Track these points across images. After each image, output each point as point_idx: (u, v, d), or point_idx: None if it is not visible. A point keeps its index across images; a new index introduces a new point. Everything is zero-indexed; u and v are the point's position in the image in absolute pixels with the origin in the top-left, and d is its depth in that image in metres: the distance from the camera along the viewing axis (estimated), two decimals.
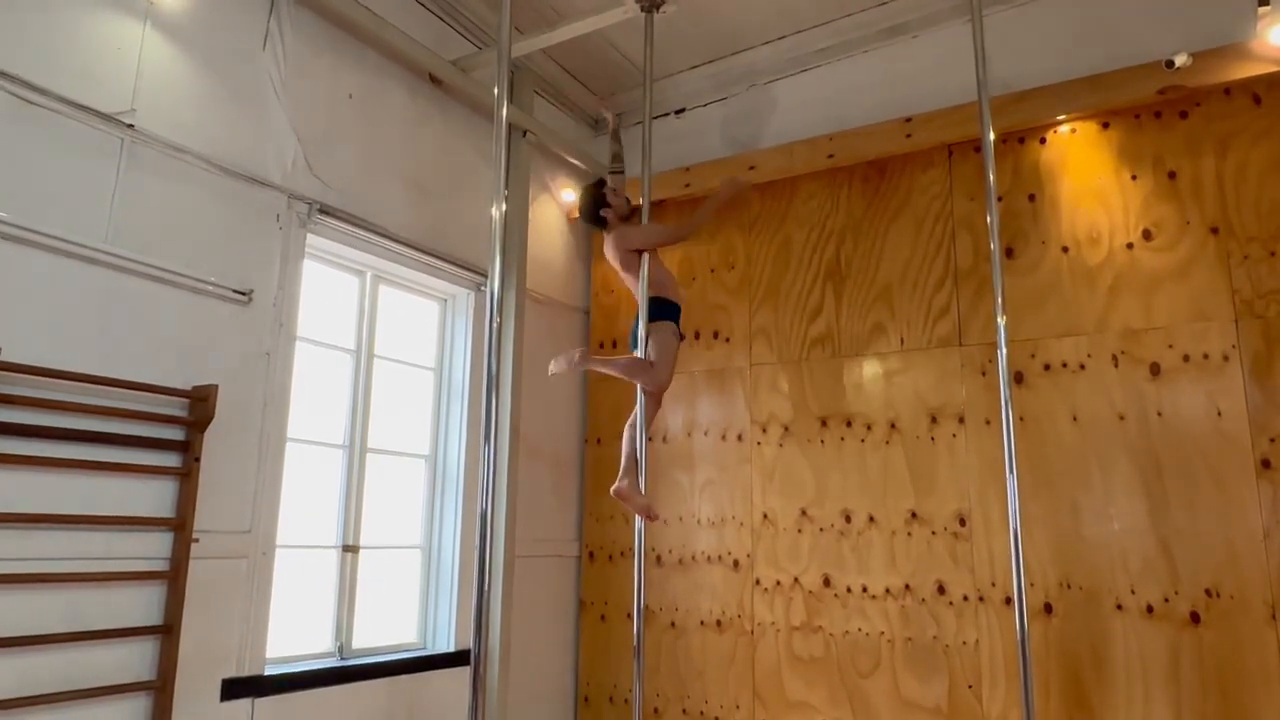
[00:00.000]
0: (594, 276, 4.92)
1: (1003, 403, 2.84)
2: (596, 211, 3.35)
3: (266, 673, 3.02)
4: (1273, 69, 3.21)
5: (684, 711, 4.15)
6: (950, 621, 3.62)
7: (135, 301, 2.72)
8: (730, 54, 4.59)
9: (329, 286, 3.64)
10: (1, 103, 2.46)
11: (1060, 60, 3.72)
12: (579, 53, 4.52)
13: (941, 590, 3.65)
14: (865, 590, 3.81)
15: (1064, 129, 3.72)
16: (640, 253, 3.28)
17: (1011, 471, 2.79)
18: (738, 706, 4.02)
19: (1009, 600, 3.48)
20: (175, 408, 2.78)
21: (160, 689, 2.61)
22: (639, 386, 3.16)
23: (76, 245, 2.56)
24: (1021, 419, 3.55)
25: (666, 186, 4.41)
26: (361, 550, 3.59)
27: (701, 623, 4.19)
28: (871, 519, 3.86)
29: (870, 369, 3.99)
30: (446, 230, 3.98)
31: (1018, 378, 3.61)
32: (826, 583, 3.91)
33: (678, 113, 4.85)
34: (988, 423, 3.66)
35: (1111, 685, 3.27)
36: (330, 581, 3.49)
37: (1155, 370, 3.38)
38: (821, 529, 3.96)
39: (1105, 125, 3.64)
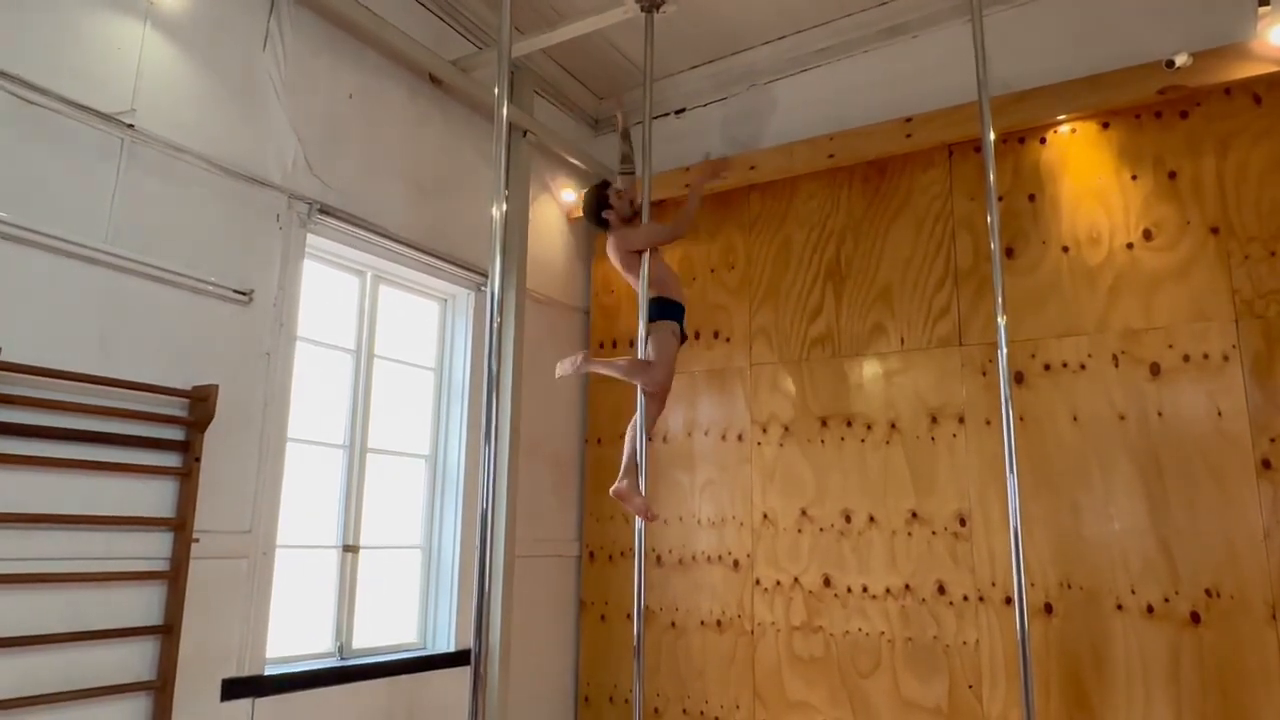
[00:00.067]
0: (594, 276, 4.92)
1: (1003, 403, 2.84)
2: (599, 213, 3.35)
3: (267, 673, 3.02)
4: (1273, 69, 3.21)
5: (684, 711, 4.15)
6: (950, 621, 3.61)
7: (135, 301, 2.72)
8: (730, 54, 4.59)
9: (329, 286, 3.64)
10: (1, 103, 2.46)
11: (1060, 60, 3.72)
12: (579, 53, 4.52)
13: (942, 590, 3.65)
14: (865, 590, 3.81)
15: (1064, 129, 3.72)
16: (640, 253, 3.27)
17: (1012, 471, 2.79)
18: (738, 706, 4.02)
19: (1009, 600, 3.48)
20: (175, 408, 2.78)
21: (160, 689, 2.61)
22: (639, 387, 3.16)
23: (76, 245, 2.56)
24: (1022, 419, 3.55)
25: (666, 186, 4.41)
26: (361, 550, 3.59)
27: (702, 623, 4.19)
28: (872, 519, 3.86)
29: (870, 369, 3.99)
30: (446, 230, 3.98)
31: (1018, 378, 3.61)
32: (827, 583, 3.91)
33: (678, 113, 4.85)
34: (988, 423, 3.66)
35: (1112, 685, 3.27)
36: (330, 581, 3.49)
37: (1155, 370, 3.38)
38: (822, 529, 3.96)
39: (1105, 125, 3.64)
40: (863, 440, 3.94)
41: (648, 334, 3.18)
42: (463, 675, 3.74)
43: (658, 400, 3.23)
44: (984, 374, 3.71)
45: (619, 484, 3.08)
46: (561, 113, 4.87)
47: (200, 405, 2.79)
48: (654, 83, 3.54)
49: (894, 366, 3.93)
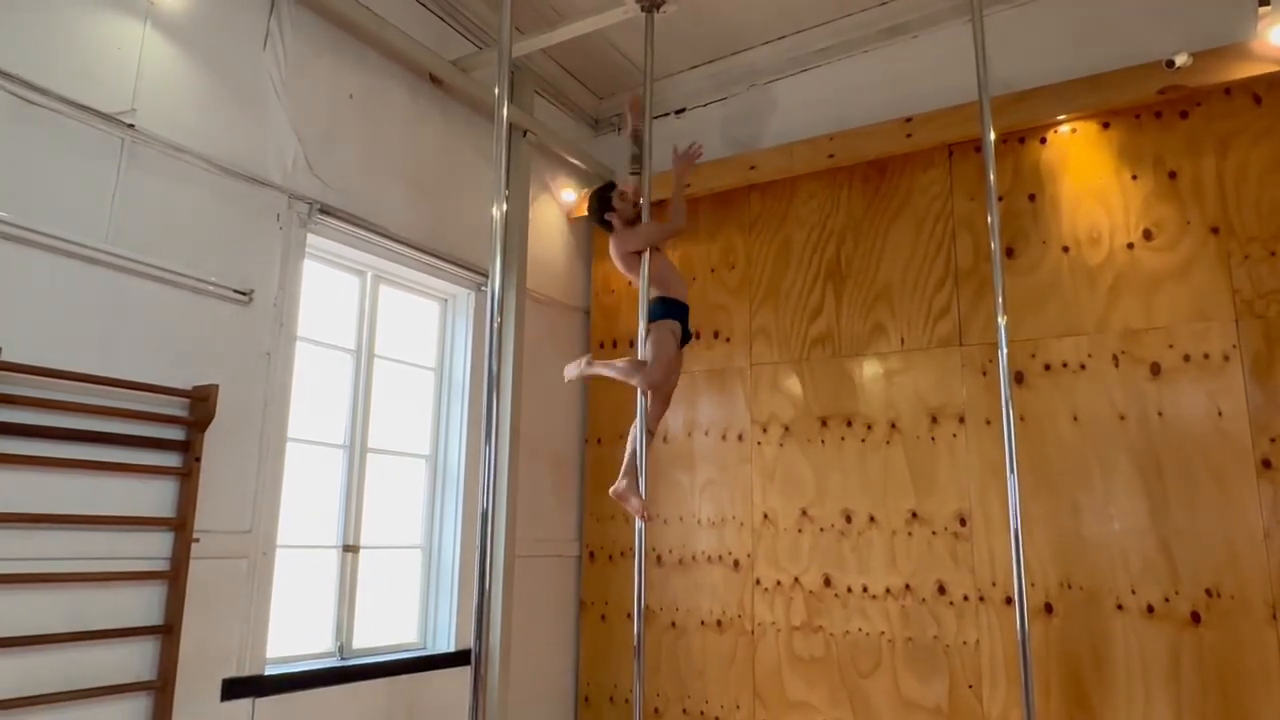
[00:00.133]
0: (594, 276, 4.92)
1: (1003, 403, 2.84)
2: (602, 215, 3.35)
3: (267, 673, 3.02)
4: (1273, 69, 3.21)
5: (684, 711, 4.15)
6: (951, 621, 3.61)
7: (135, 301, 2.72)
8: (730, 54, 4.59)
9: (329, 286, 3.64)
10: (1, 103, 2.46)
11: (1060, 60, 3.72)
12: (579, 53, 4.52)
13: (942, 590, 3.65)
14: (866, 590, 3.81)
15: (1064, 129, 3.72)
16: (640, 253, 3.27)
17: (1012, 471, 2.80)
18: (738, 706, 4.02)
19: (1009, 600, 3.48)
20: (176, 407, 2.78)
21: (161, 689, 2.61)
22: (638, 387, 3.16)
23: (77, 245, 2.56)
24: (1022, 419, 3.55)
25: (667, 186, 4.39)
26: (362, 550, 3.59)
27: (702, 623, 4.19)
28: (872, 519, 3.86)
29: (871, 369, 3.99)
30: (447, 230, 3.98)
31: (1018, 378, 3.61)
32: (827, 583, 3.91)
33: (678, 113, 4.85)
34: (988, 423, 3.66)
35: (1112, 685, 3.27)
36: (330, 581, 3.49)
37: (1156, 370, 3.38)
38: (822, 529, 3.96)
39: (1106, 125, 3.64)
40: (863, 440, 3.94)
41: (646, 333, 3.17)
42: (463, 675, 3.74)
43: (660, 399, 3.23)
44: (984, 374, 3.71)
45: (618, 484, 3.09)
46: (561, 113, 4.87)
47: (200, 405, 2.79)
48: (654, 83, 3.54)
49: (894, 366, 3.93)
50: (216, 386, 2.81)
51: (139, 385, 2.65)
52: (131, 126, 2.75)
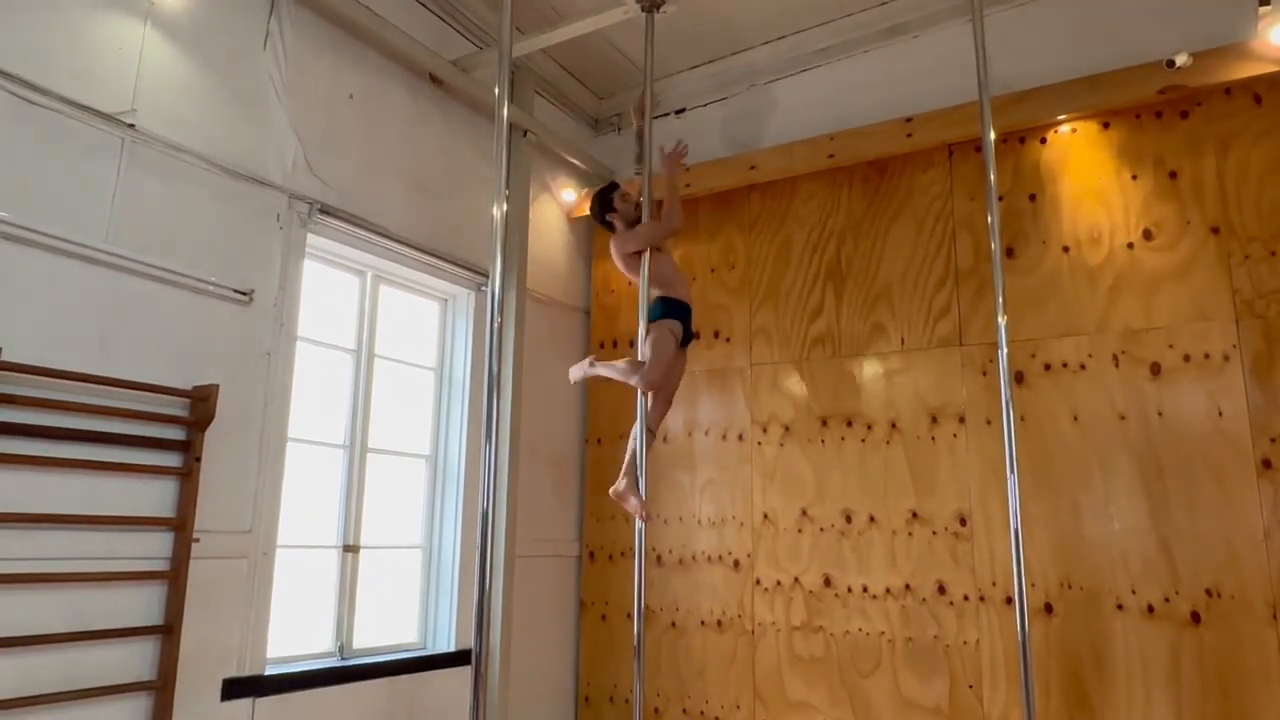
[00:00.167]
0: (594, 276, 4.92)
1: (1003, 403, 2.84)
2: (604, 215, 3.36)
3: (267, 673, 3.02)
4: (1273, 69, 3.21)
5: (684, 711, 4.15)
6: (951, 621, 3.61)
7: (136, 301, 2.72)
8: (730, 54, 4.59)
9: (329, 286, 3.64)
10: (2, 103, 2.46)
11: (1061, 60, 3.72)
12: (579, 53, 4.52)
13: (942, 590, 3.65)
14: (866, 590, 3.81)
15: (1065, 129, 3.72)
16: (640, 254, 3.27)
17: (1012, 471, 2.79)
18: (738, 706, 4.02)
19: (1010, 600, 3.48)
20: (176, 407, 2.78)
21: (161, 689, 2.61)
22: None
23: (77, 245, 2.56)
24: (1022, 419, 3.55)
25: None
26: (362, 550, 3.59)
27: (702, 623, 4.19)
28: (872, 519, 3.86)
29: (871, 369, 3.99)
30: (447, 230, 3.98)
31: (1018, 378, 3.61)
32: (827, 583, 3.91)
33: (678, 113, 4.85)
34: (988, 423, 3.66)
35: (1112, 685, 3.27)
36: (331, 581, 3.49)
37: (1156, 370, 3.38)
38: (822, 529, 3.96)
39: (1106, 125, 3.64)
40: (863, 440, 3.94)
41: (646, 333, 3.17)
42: (463, 675, 3.74)
43: (662, 399, 3.23)
44: (984, 374, 3.71)
45: (618, 483, 3.09)
46: (562, 113, 4.87)
47: (201, 405, 2.79)
48: (654, 83, 3.54)
49: (894, 366, 3.93)
50: (217, 386, 2.81)
51: (139, 385, 2.65)
52: (132, 126, 2.75)
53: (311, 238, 3.36)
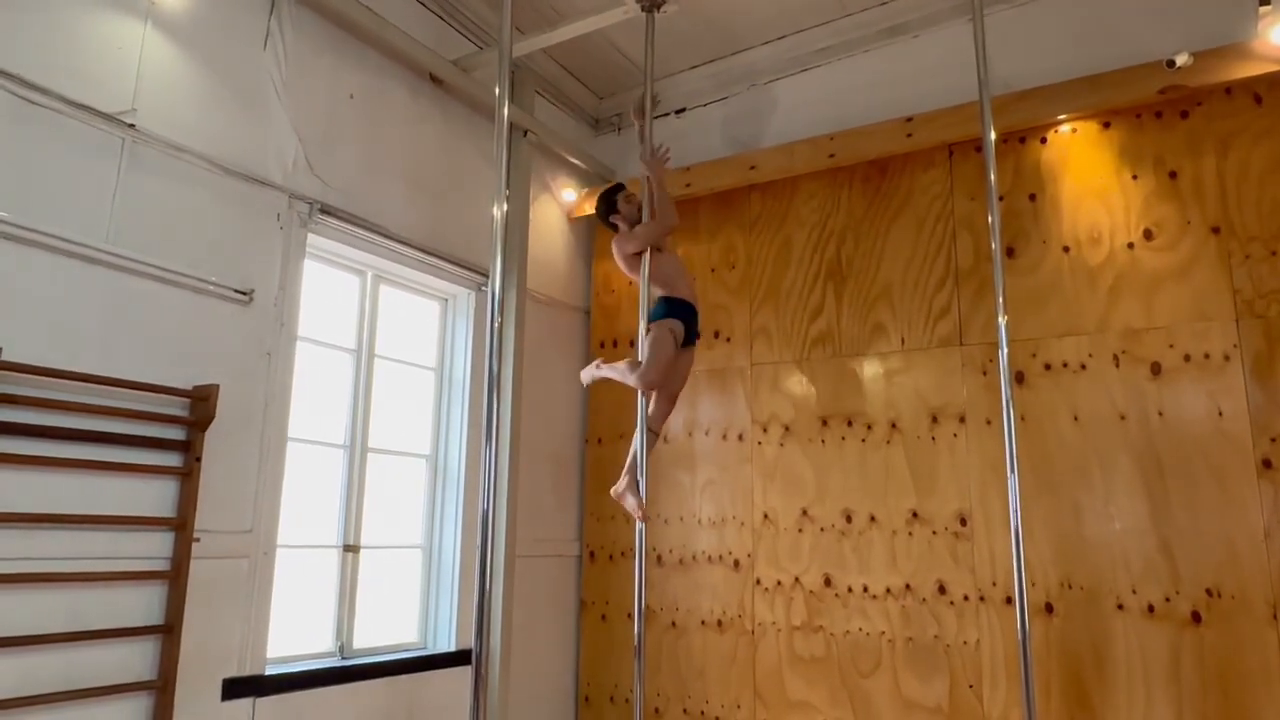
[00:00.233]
0: (595, 276, 4.92)
1: (1004, 402, 2.84)
2: (607, 216, 3.37)
3: (267, 672, 3.02)
4: (1274, 69, 3.21)
5: (685, 711, 4.15)
6: (951, 621, 3.61)
7: (136, 301, 2.72)
8: (730, 54, 4.59)
9: (330, 286, 3.64)
10: (2, 103, 2.46)
11: (1061, 60, 3.72)
12: (579, 52, 4.52)
13: (942, 590, 3.65)
14: (866, 590, 3.81)
15: (1065, 129, 3.72)
16: (641, 254, 3.26)
17: (1012, 471, 2.80)
18: (738, 706, 4.02)
19: (1010, 600, 3.48)
20: (176, 407, 2.78)
21: (161, 689, 2.61)
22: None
23: (77, 245, 2.56)
24: (1022, 419, 3.55)
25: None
26: (362, 550, 3.59)
27: (702, 622, 4.19)
28: (872, 519, 3.86)
29: (871, 369, 3.99)
30: (447, 230, 3.98)
31: (1019, 377, 3.61)
32: (827, 582, 3.91)
33: (678, 112, 4.85)
34: (989, 422, 3.66)
35: (1112, 685, 3.27)
36: (331, 581, 3.49)
37: (1156, 370, 3.38)
38: (822, 529, 3.96)
39: (1106, 125, 3.64)
40: (863, 440, 3.94)
41: (646, 333, 3.17)
42: (463, 675, 3.74)
43: (665, 399, 3.22)
44: (984, 374, 3.71)
45: (618, 483, 3.09)
46: (562, 112, 4.87)
47: (201, 405, 2.79)
48: (654, 83, 3.54)
49: (895, 366, 3.93)
50: (217, 386, 2.81)
51: (140, 385, 2.65)
52: (132, 126, 2.75)
53: (312, 237, 3.36)
